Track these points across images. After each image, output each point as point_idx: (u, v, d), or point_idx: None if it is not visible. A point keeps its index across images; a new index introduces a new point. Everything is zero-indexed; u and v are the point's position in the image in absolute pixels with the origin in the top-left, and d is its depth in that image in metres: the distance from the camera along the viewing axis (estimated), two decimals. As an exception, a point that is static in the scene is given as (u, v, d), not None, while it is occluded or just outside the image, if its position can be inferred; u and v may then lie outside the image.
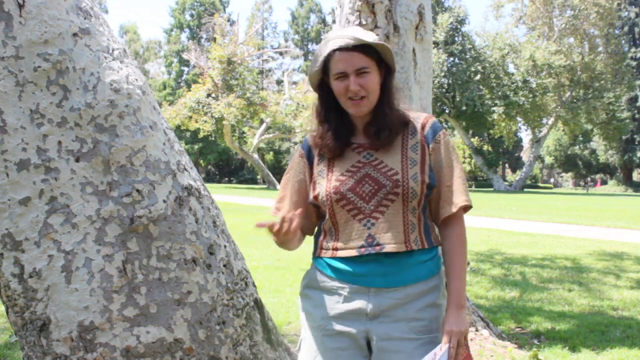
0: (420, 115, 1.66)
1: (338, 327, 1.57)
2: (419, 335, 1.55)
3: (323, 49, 1.56)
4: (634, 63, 41.75)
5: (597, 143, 48.62)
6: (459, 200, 1.59)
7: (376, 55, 1.57)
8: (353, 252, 1.56)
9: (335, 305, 1.58)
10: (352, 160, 1.61)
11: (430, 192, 1.60)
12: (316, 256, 1.67)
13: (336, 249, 1.59)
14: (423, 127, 1.63)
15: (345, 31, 1.56)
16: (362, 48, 1.54)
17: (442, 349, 1.52)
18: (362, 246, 1.55)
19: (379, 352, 1.55)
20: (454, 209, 1.59)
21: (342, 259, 1.58)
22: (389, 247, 1.53)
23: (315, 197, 1.62)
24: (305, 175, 1.68)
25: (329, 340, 1.58)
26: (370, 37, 1.55)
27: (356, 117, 1.62)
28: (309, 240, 1.75)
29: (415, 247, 1.56)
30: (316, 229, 1.71)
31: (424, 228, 1.60)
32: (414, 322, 1.55)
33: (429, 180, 1.58)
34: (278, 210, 1.72)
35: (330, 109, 1.64)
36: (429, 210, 1.64)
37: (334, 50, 1.53)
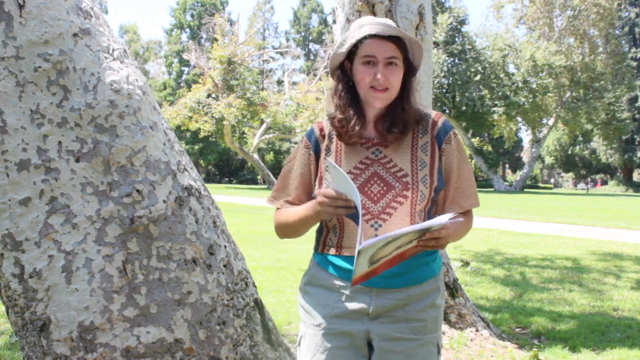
0: (430, 113, 1.63)
1: (339, 326, 1.56)
2: (419, 336, 1.55)
3: (356, 33, 1.53)
4: (634, 63, 41.71)
5: (598, 143, 48.59)
6: (466, 203, 1.59)
7: (404, 52, 1.56)
8: None
9: (336, 304, 1.57)
10: (360, 156, 1.58)
11: (437, 194, 1.59)
12: (319, 252, 1.64)
13: (341, 247, 1.57)
14: (434, 126, 1.61)
15: (381, 20, 1.54)
16: (395, 40, 1.53)
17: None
18: None
19: (380, 352, 1.55)
20: (462, 211, 1.59)
21: (347, 258, 1.55)
22: None
23: None
24: (310, 168, 1.63)
25: (329, 339, 1.56)
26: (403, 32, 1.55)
27: (369, 109, 1.59)
28: (302, 240, 1.70)
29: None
30: (317, 224, 1.67)
31: None
32: (414, 323, 1.55)
33: (437, 183, 1.57)
34: (275, 200, 1.67)
35: (347, 94, 1.60)
36: (435, 210, 1.64)
37: (370, 36, 1.51)
